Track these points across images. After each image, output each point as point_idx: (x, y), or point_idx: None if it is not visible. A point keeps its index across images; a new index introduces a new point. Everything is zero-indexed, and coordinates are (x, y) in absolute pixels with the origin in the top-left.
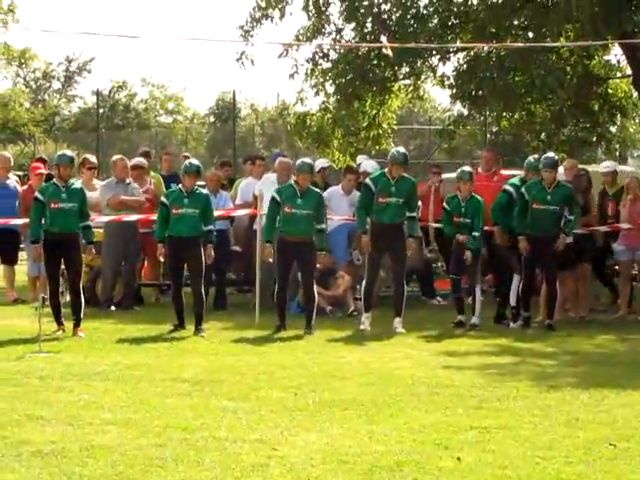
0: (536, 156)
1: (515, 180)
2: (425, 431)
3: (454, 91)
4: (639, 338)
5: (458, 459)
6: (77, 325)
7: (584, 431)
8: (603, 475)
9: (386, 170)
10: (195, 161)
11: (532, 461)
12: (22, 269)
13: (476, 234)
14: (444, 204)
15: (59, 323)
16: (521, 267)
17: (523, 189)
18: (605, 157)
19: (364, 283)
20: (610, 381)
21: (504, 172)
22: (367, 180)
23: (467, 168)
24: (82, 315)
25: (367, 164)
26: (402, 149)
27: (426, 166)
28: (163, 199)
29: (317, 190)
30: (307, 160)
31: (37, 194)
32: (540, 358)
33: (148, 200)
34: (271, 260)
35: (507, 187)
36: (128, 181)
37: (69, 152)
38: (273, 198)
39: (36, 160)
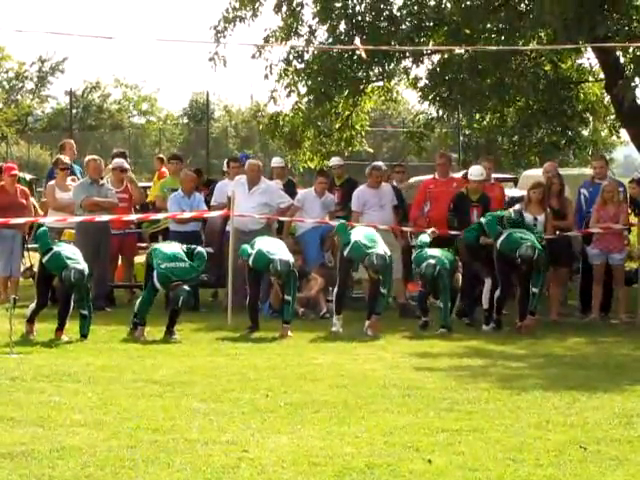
0: None
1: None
2: (396, 433)
3: (425, 92)
4: (610, 341)
5: (429, 461)
6: (60, 329)
7: (555, 433)
8: (573, 478)
9: None
10: None
11: (503, 463)
12: None
13: None
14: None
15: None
16: (490, 272)
17: None
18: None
19: (336, 287)
20: (581, 384)
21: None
22: None
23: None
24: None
25: (334, 159)
26: None
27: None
28: None
29: None
30: None
31: None
32: (511, 360)
33: (124, 200)
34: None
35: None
36: (102, 182)
37: None
38: None
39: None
